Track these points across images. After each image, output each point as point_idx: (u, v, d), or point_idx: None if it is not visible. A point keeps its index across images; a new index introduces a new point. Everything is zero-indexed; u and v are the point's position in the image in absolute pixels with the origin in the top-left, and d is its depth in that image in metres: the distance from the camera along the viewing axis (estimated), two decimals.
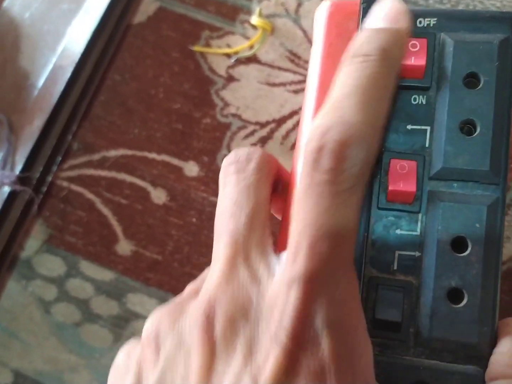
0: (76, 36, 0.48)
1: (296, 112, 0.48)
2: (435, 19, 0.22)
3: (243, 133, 0.48)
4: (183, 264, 0.45)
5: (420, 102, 0.22)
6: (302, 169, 0.18)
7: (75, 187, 0.47)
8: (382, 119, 0.19)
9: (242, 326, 0.18)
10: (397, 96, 0.21)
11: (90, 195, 0.47)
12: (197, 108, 0.49)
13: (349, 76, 0.19)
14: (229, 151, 0.47)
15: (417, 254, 0.21)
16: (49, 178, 0.48)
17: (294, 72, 0.48)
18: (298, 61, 0.49)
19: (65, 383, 0.45)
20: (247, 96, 0.49)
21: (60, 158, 0.48)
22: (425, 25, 0.22)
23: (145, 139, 0.48)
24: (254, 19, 0.49)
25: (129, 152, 0.48)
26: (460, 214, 0.21)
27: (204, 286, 0.20)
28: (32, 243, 0.47)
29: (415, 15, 0.22)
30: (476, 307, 0.20)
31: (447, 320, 0.20)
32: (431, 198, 0.21)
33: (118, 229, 0.46)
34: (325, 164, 0.17)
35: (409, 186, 0.21)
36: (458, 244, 0.21)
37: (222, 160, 0.48)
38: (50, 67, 0.47)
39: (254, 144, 0.47)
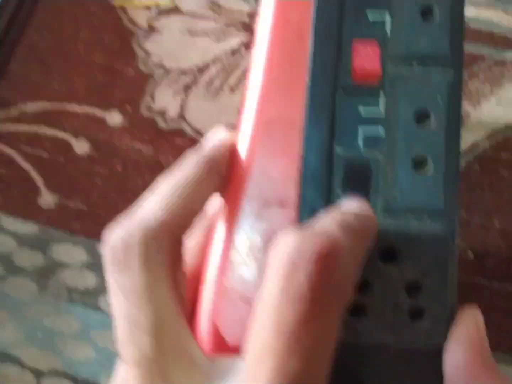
0: None
1: (219, 59, 0.48)
2: None
3: (166, 81, 0.47)
4: (109, 212, 0.44)
5: None
6: (273, 265, 0.16)
7: None
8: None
9: None
10: None
11: (8, 150, 0.45)
12: (118, 60, 0.48)
13: None
14: (152, 99, 0.47)
15: (381, 129, 0.21)
16: None
17: (215, 21, 0.49)
18: (218, 10, 0.49)
19: None
20: (169, 46, 0.48)
21: None
22: None
23: (65, 92, 0.47)
24: None
25: (48, 105, 0.46)
26: (422, 90, 0.21)
27: None
28: None
29: None
30: (441, 174, 0.20)
31: (414, 188, 0.20)
32: (393, 78, 0.22)
33: (40, 182, 0.45)
34: (310, 266, 0.16)
35: (374, 65, 0.21)
36: (422, 117, 0.21)
37: (146, 108, 0.48)
38: None
39: (178, 92, 0.47)
